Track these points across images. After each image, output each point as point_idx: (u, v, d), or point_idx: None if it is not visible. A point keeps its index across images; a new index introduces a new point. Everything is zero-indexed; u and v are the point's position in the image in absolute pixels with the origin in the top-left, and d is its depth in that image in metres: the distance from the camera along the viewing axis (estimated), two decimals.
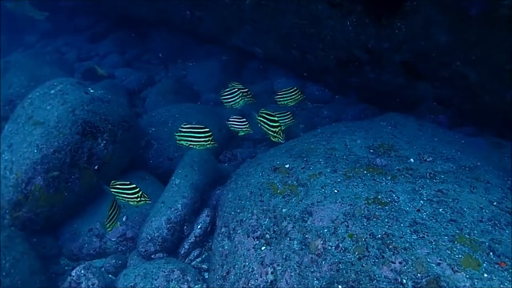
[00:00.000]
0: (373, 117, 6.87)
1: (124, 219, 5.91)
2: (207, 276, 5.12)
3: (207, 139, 4.49)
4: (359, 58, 7.31)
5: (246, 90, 5.39)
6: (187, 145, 4.55)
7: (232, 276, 4.41)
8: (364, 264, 3.50)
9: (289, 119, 5.81)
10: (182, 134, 4.52)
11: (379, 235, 3.64)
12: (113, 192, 4.43)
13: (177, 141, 4.51)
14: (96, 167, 5.78)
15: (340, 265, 3.58)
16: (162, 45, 11.03)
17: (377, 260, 3.48)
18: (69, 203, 5.75)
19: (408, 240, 3.56)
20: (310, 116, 8.08)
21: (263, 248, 4.27)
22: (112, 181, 4.49)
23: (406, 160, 4.74)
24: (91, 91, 6.02)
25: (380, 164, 4.62)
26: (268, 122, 4.84)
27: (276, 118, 4.79)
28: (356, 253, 3.59)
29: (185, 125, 4.52)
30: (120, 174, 6.22)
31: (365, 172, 4.49)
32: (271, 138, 4.90)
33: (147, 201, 4.45)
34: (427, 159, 4.72)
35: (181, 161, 6.14)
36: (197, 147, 4.59)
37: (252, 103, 5.29)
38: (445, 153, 4.92)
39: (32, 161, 5.44)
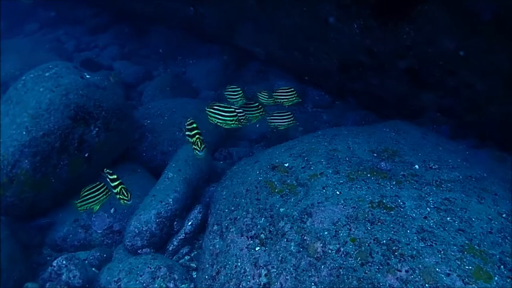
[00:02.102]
0: (375, 123, 6.58)
1: (112, 211, 5.55)
2: (195, 276, 4.77)
3: (231, 119, 4.46)
4: (363, 63, 7.04)
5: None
6: (215, 122, 4.54)
7: (222, 277, 4.06)
8: (367, 271, 3.18)
9: (289, 120, 5.53)
10: (211, 111, 4.49)
11: (384, 241, 3.32)
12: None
13: (209, 117, 4.53)
14: (86, 155, 5.42)
15: (341, 270, 3.26)
16: (162, 41, 10.71)
17: (381, 267, 3.16)
18: (55, 190, 5.37)
19: (415, 247, 3.25)
20: (310, 120, 7.78)
21: (257, 248, 3.93)
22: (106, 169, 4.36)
23: (411, 167, 4.45)
24: (87, 76, 5.68)
25: (384, 168, 4.32)
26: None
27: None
28: (359, 258, 3.27)
29: (213, 103, 4.53)
30: (111, 164, 5.87)
31: (368, 175, 4.18)
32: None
33: (125, 201, 4.21)
34: (433, 167, 4.43)
35: (175, 155, 5.81)
36: (224, 126, 4.56)
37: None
38: (450, 162, 4.63)
39: (19, 143, 5.06)
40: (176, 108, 7.01)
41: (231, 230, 4.30)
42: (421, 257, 3.16)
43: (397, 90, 6.97)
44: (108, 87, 5.71)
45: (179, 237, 5.01)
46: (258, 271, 3.75)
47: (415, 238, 3.33)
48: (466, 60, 5.80)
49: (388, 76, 6.93)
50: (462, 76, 6.01)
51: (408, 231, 3.40)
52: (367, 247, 3.32)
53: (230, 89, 5.26)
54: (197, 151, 4.18)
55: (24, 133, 5.08)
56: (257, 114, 5.26)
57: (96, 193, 4.42)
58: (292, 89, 5.36)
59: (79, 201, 4.37)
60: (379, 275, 3.12)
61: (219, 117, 4.52)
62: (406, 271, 3.09)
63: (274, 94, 5.43)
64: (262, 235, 3.97)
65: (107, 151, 5.66)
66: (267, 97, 5.54)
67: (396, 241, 3.30)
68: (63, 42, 11.45)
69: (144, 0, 10.23)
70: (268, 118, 5.44)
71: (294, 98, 5.38)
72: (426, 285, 2.99)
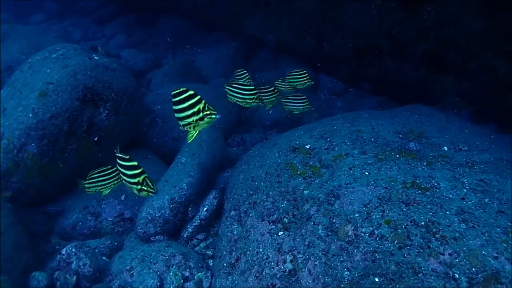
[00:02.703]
0: (394, 108, 6.26)
1: (122, 197, 5.25)
2: (211, 263, 4.47)
3: (251, 97, 4.19)
4: (380, 46, 6.71)
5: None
6: (234, 101, 4.27)
7: (243, 264, 3.76)
8: (406, 255, 2.86)
9: (304, 104, 5.25)
10: (230, 88, 4.24)
11: (423, 222, 3.01)
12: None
13: (228, 95, 4.25)
14: (95, 139, 5.11)
15: (377, 254, 2.95)
16: (170, 31, 10.41)
17: (421, 251, 2.85)
18: (63, 175, 5.08)
19: (457, 229, 2.93)
20: (323, 107, 7.46)
21: (280, 233, 3.63)
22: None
23: (440, 148, 4.13)
24: (96, 58, 5.37)
25: (414, 149, 4.01)
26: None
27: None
28: (396, 241, 2.95)
29: (232, 81, 4.26)
30: (121, 150, 5.56)
31: (397, 155, 3.87)
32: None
33: (150, 192, 3.36)
34: (462, 148, 4.11)
35: None
36: (243, 105, 4.31)
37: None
38: (479, 145, 4.31)
39: (26, 125, 4.77)
40: None
41: (250, 215, 4.00)
42: (464, 239, 2.85)
43: (415, 75, 6.65)
44: (118, 69, 5.41)
45: (194, 224, 4.70)
46: (283, 257, 3.44)
47: (456, 219, 3.02)
48: (490, 41, 5.48)
49: (406, 60, 6.61)
50: (485, 59, 5.69)
51: (448, 212, 3.08)
52: (404, 230, 3.00)
53: (237, 74, 5.02)
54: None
55: (30, 115, 4.78)
56: (273, 98, 4.99)
57: (107, 177, 4.13)
58: (305, 71, 5.14)
59: (86, 181, 4.06)
60: (419, 259, 2.81)
61: (239, 95, 4.22)
62: (450, 255, 2.78)
63: (287, 77, 5.22)
64: (285, 219, 3.67)
65: (116, 135, 5.36)
66: (283, 83, 5.30)
67: (435, 223, 2.99)
68: (70, 32, 11.16)
69: None
70: (283, 100, 5.18)
71: (306, 81, 5.16)
72: (473, 269, 2.68)
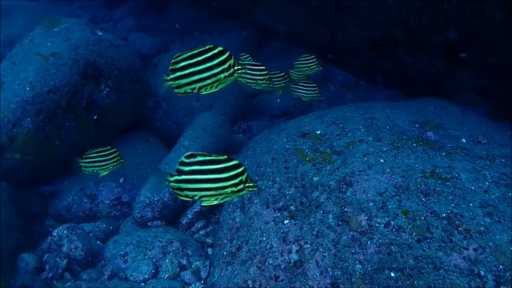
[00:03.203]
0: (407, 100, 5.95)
1: (121, 180, 4.98)
2: (210, 252, 4.18)
3: (262, 77, 3.88)
4: (396, 37, 6.40)
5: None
6: (245, 82, 3.92)
7: (244, 253, 3.47)
8: (425, 248, 2.57)
9: (314, 92, 4.95)
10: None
11: (444, 214, 2.71)
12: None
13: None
14: (95, 117, 4.83)
15: (393, 247, 2.65)
16: (180, 17, 10.09)
17: (443, 244, 2.56)
18: (60, 154, 4.80)
19: (482, 223, 2.63)
20: (333, 99, 7.15)
21: (286, 221, 3.34)
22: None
23: (458, 140, 3.84)
24: (100, 33, 5.09)
25: (432, 139, 3.70)
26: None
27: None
28: (414, 233, 2.66)
29: (243, 61, 4.07)
30: (121, 131, 5.29)
31: (414, 144, 3.57)
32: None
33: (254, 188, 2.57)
34: (482, 141, 3.81)
35: (193, 122, 5.21)
36: (253, 86, 3.98)
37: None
38: (498, 139, 4.01)
39: (22, 99, 4.49)
40: None
41: (254, 202, 3.70)
42: (490, 234, 2.56)
43: (431, 68, 6.34)
44: (123, 46, 5.13)
45: (194, 210, 4.41)
46: (288, 246, 3.15)
47: (480, 212, 2.72)
48: None
49: (422, 53, 6.30)
50: (507, 53, 5.37)
51: (471, 205, 2.79)
52: (423, 221, 2.71)
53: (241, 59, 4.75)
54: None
55: (27, 88, 4.50)
56: (282, 84, 4.70)
57: (105, 158, 3.89)
58: (313, 56, 4.86)
59: (83, 160, 3.81)
60: (441, 253, 2.52)
61: (249, 76, 3.94)
62: (475, 250, 2.48)
63: (296, 62, 4.94)
64: (292, 207, 3.37)
65: (118, 114, 5.07)
66: (297, 72, 5.04)
67: (458, 215, 2.69)
68: (79, 15, 10.87)
69: None
70: (292, 86, 4.89)
71: (315, 66, 4.88)
72: (500, 266, 2.39)
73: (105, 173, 3.98)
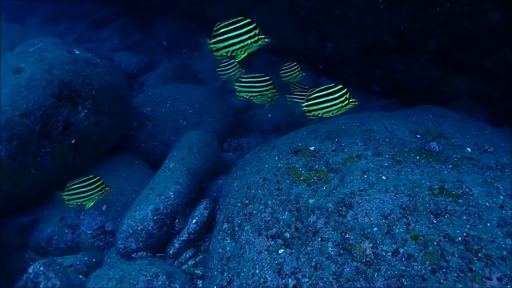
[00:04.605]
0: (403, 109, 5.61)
1: (104, 208, 4.58)
2: (200, 285, 3.77)
3: (268, 88, 3.87)
4: (388, 44, 6.07)
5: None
6: (247, 97, 3.93)
7: None
8: (442, 280, 2.18)
9: None
10: (242, 85, 3.88)
11: (459, 238, 2.33)
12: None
13: (237, 94, 3.93)
14: (73, 141, 4.43)
15: (404, 279, 2.26)
16: (167, 33, 9.79)
17: (462, 275, 2.18)
18: (37, 183, 4.40)
19: (504, 246, 2.25)
20: None
21: (280, 251, 2.94)
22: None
23: (463, 149, 3.49)
24: (77, 52, 4.72)
25: (435, 150, 3.34)
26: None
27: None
28: (427, 262, 2.27)
29: (245, 75, 3.96)
30: (103, 155, 4.90)
31: (417, 157, 3.21)
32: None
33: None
34: (488, 150, 3.45)
35: (178, 142, 4.83)
36: (256, 100, 3.99)
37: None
38: (504, 146, 3.66)
39: None
40: (179, 94, 6.03)
41: (245, 229, 3.31)
42: None
43: (425, 75, 6.02)
44: (101, 64, 4.75)
45: (181, 238, 4.01)
46: (284, 280, 2.75)
47: (499, 233, 2.35)
48: (509, 35, 4.85)
49: (416, 59, 5.98)
50: (504, 55, 5.05)
51: (488, 224, 2.42)
52: (437, 247, 2.32)
53: (222, 64, 4.58)
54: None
55: None
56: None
57: (89, 187, 3.67)
58: (295, 63, 4.70)
59: (65, 193, 3.59)
60: (460, 285, 2.13)
61: (253, 89, 3.83)
62: (499, 279, 2.11)
63: (280, 72, 4.74)
64: (286, 234, 2.98)
65: (98, 138, 4.67)
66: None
67: (476, 238, 2.31)
68: (64, 36, 10.55)
69: None
70: (287, 96, 4.58)
71: (298, 73, 4.70)
72: None
73: (90, 205, 3.77)
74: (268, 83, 3.85)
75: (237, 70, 4.62)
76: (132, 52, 9.05)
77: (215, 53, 3.12)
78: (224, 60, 4.58)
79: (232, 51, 3.11)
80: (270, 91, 3.87)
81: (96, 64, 4.67)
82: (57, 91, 4.28)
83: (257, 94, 3.86)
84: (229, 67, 4.62)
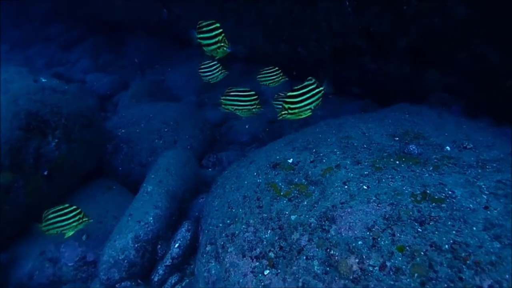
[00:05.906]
0: (379, 110, 5.55)
1: (84, 238, 4.40)
2: None
3: (253, 102, 3.83)
4: (358, 46, 6.04)
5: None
6: (233, 110, 3.90)
7: None
8: None
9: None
10: (228, 98, 3.87)
11: (446, 246, 2.25)
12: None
13: (223, 106, 3.90)
14: (45, 173, 4.26)
15: None
16: (138, 50, 9.63)
17: (452, 285, 2.09)
18: (12, 218, 4.20)
19: (492, 250, 2.18)
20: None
21: (266, 272, 2.83)
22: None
23: (442, 149, 3.44)
24: (43, 80, 4.55)
25: (414, 152, 3.27)
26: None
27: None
28: (416, 275, 2.19)
29: (230, 89, 3.94)
30: (79, 183, 4.73)
31: (397, 162, 3.14)
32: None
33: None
34: (467, 146, 3.40)
35: (155, 164, 4.68)
36: (240, 113, 3.92)
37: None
38: (482, 140, 3.62)
39: None
40: (153, 113, 5.89)
41: (229, 250, 3.19)
42: (504, 264, 2.11)
43: (398, 73, 6.00)
44: (69, 91, 4.58)
45: (165, 264, 3.86)
46: None
47: (486, 237, 2.28)
48: (478, 28, 4.84)
49: (387, 58, 5.94)
50: (474, 48, 5.04)
51: (474, 228, 2.35)
52: (424, 257, 2.24)
53: (204, 65, 4.40)
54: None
55: None
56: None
57: (67, 216, 3.57)
58: (276, 68, 4.56)
59: (44, 223, 3.52)
60: None
61: (239, 103, 3.80)
62: (490, 287, 2.02)
63: (258, 77, 4.60)
64: (271, 254, 2.87)
65: (71, 166, 4.50)
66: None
67: (463, 244, 2.24)
68: (34, 61, 10.30)
69: (117, 8, 9.19)
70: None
71: (280, 78, 4.58)
72: None
73: (71, 233, 3.65)
74: (253, 97, 3.81)
75: (219, 72, 4.47)
76: (104, 72, 8.86)
77: (205, 48, 3.48)
78: (206, 62, 4.43)
79: (210, 50, 3.48)
80: (255, 107, 3.83)
81: (64, 91, 4.51)
82: (25, 123, 4.10)
83: (242, 108, 3.82)
84: (211, 69, 4.45)
